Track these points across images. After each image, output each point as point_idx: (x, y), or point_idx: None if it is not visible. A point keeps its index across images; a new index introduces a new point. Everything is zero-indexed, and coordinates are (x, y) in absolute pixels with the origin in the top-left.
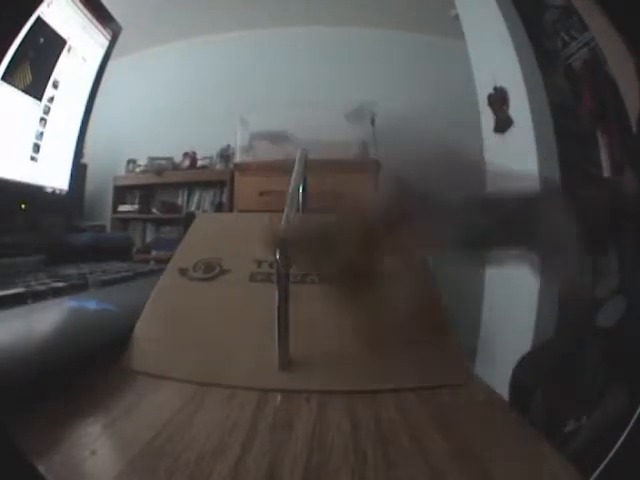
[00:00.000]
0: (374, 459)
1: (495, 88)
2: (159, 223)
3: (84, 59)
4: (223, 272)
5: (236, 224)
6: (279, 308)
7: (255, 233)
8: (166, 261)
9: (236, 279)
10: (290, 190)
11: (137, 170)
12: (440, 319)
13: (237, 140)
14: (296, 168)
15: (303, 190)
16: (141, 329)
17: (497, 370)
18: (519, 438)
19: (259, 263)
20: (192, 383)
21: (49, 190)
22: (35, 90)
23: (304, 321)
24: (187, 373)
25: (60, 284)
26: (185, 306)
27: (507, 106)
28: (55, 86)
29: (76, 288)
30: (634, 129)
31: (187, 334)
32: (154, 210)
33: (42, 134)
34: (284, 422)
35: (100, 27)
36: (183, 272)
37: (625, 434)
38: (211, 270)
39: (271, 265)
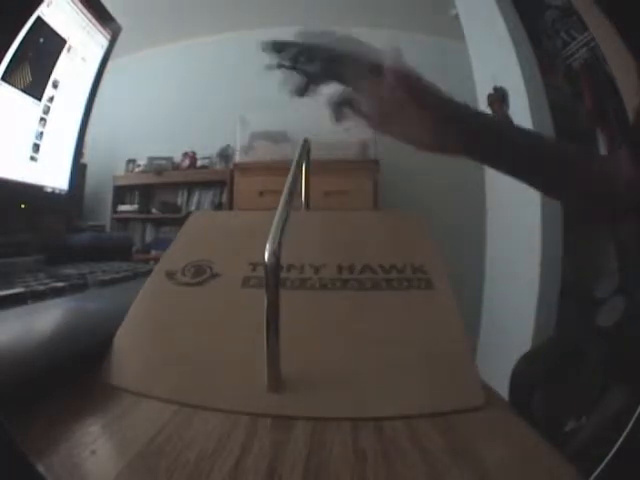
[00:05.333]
0: None
1: (495, 88)
2: (159, 223)
3: (84, 59)
4: (214, 276)
5: (231, 223)
6: (268, 320)
7: (252, 233)
8: None
9: (227, 284)
10: (289, 177)
11: (137, 170)
12: (456, 335)
13: (237, 140)
14: (297, 156)
15: (306, 183)
16: (121, 339)
17: (497, 370)
18: (547, 467)
19: (254, 266)
20: (172, 403)
21: (49, 190)
22: (35, 90)
23: (300, 334)
24: (167, 391)
25: (60, 284)
26: (169, 315)
27: (507, 106)
28: (55, 86)
29: (76, 288)
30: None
31: (169, 347)
32: (154, 210)
33: (42, 134)
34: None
35: (100, 27)
36: (170, 276)
37: (625, 434)
38: (201, 274)
39: None
